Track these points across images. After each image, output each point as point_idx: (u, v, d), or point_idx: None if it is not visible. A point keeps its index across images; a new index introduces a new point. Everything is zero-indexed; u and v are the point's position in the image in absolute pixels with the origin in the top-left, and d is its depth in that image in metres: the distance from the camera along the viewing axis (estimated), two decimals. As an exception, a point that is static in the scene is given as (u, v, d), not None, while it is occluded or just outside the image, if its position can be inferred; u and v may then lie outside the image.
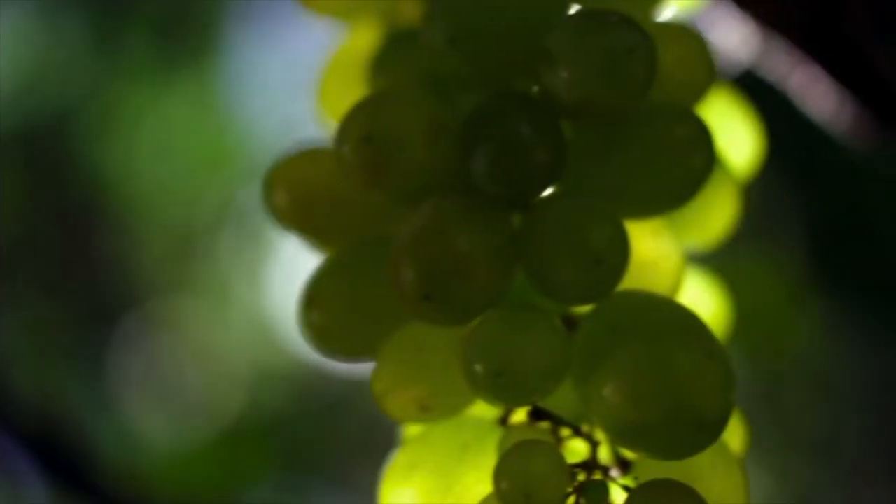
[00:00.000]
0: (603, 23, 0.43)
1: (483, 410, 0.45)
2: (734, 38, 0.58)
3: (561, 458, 0.42)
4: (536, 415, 0.45)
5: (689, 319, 0.43)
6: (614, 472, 0.45)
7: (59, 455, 1.01)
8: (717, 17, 0.58)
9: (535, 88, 0.44)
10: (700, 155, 0.44)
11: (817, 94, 0.58)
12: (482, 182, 0.43)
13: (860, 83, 0.58)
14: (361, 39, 0.50)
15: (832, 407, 1.38)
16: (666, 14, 0.49)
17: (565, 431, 0.45)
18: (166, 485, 1.40)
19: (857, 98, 0.58)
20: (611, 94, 0.43)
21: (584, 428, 0.45)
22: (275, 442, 1.41)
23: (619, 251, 0.43)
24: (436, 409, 0.44)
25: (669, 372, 0.42)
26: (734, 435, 0.46)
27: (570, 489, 0.43)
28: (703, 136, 0.44)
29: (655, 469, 0.44)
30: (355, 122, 0.43)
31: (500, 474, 0.42)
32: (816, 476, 1.42)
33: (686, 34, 0.46)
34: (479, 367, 0.42)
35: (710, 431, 0.42)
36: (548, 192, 0.44)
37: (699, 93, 0.46)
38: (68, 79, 1.27)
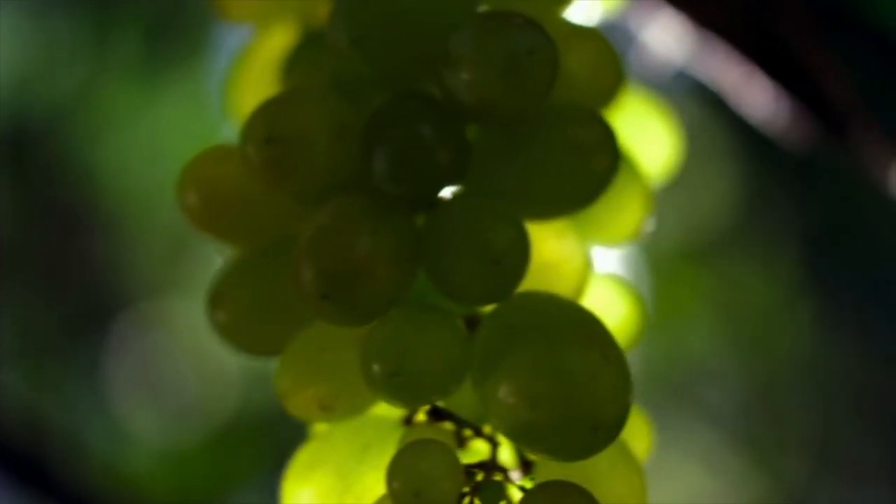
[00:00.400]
0: (503, 24, 0.43)
1: (388, 411, 0.46)
2: (668, 39, 0.58)
3: (454, 458, 0.42)
4: (437, 415, 0.45)
5: (587, 322, 0.43)
6: (516, 474, 0.45)
7: (47, 457, 1.01)
8: (650, 18, 0.58)
9: (439, 90, 0.44)
10: (603, 157, 0.44)
11: (752, 94, 0.58)
12: (384, 182, 0.44)
13: (794, 83, 0.58)
14: (274, 40, 0.50)
15: (826, 407, 1.38)
16: (581, 16, 0.49)
17: (467, 432, 0.45)
18: (159, 485, 1.40)
19: (792, 98, 0.58)
20: (511, 96, 0.43)
21: (486, 429, 0.45)
22: (267, 442, 1.41)
23: (519, 252, 0.43)
24: (337, 408, 0.45)
25: (564, 373, 0.42)
26: (637, 438, 0.46)
27: (466, 489, 0.43)
28: (606, 138, 0.44)
29: (556, 471, 0.44)
30: (258, 122, 0.44)
31: (391, 473, 0.42)
32: (811, 476, 1.41)
33: (594, 37, 0.47)
34: (376, 367, 0.43)
35: (606, 434, 0.42)
36: (450, 192, 0.44)
37: (607, 95, 0.46)
38: (60, 79, 1.27)
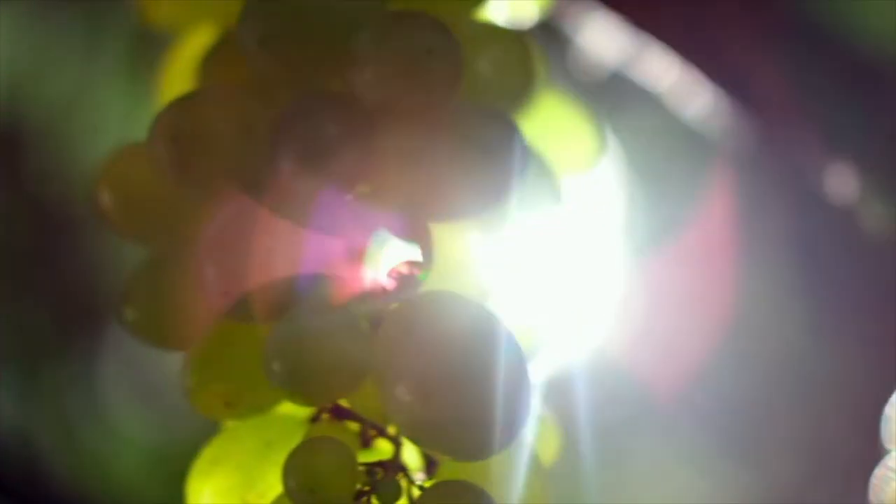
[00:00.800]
0: (404, 23, 0.43)
1: (295, 409, 0.46)
2: (606, 41, 0.58)
3: (350, 456, 0.42)
4: (339, 414, 0.45)
5: (487, 323, 0.43)
6: (421, 474, 0.45)
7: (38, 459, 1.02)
8: (588, 19, 0.58)
9: (345, 89, 0.44)
10: (508, 158, 0.45)
11: (692, 97, 0.58)
12: (287, 182, 0.44)
13: (732, 85, 0.57)
14: (197, 40, 0.50)
15: (820, 409, 1.37)
16: (501, 17, 0.49)
17: (372, 432, 0.45)
18: (151, 487, 1.41)
19: (730, 100, 0.58)
20: (412, 95, 0.43)
21: (391, 429, 0.45)
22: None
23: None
24: (241, 405, 0.45)
25: (460, 373, 0.42)
26: (543, 442, 0.46)
27: (366, 487, 0.43)
28: (512, 140, 0.45)
29: (460, 471, 0.44)
30: (164, 121, 0.44)
31: (287, 471, 0.42)
32: (805, 477, 1.40)
33: (507, 38, 0.47)
34: (276, 366, 0.43)
35: (502, 433, 0.42)
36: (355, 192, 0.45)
37: (518, 97, 0.46)
38: (52, 81, 1.28)
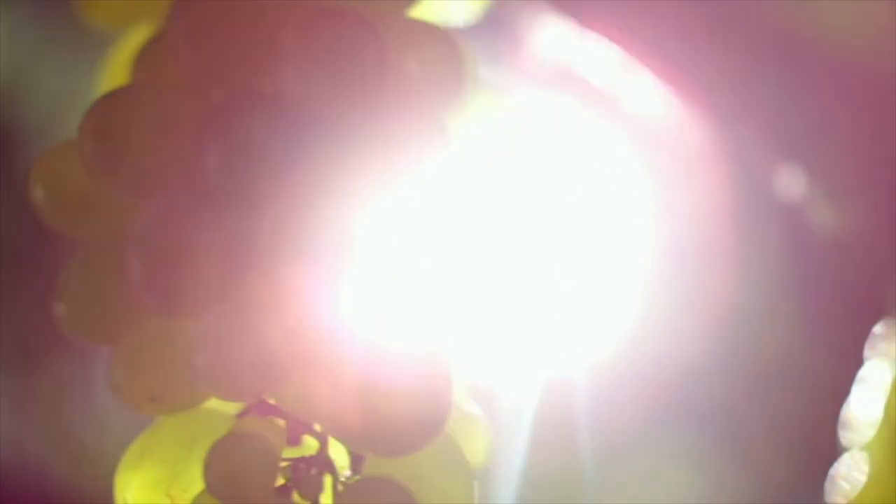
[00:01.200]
0: (326, 20, 0.43)
1: (222, 404, 0.46)
2: (553, 39, 0.58)
3: (270, 451, 0.43)
4: (264, 410, 0.45)
5: (412, 315, 0.44)
6: (348, 471, 0.45)
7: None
8: (535, 17, 0.58)
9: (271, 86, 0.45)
10: (437, 153, 0.45)
11: (642, 97, 0.58)
12: (213, 178, 0.44)
13: (680, 84, 0.58)
14: (137, 39, 0.51)
15: (813, 408, 1.36)
16: (437, 15, 0.49)
17: (298, 428, 0.45)
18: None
19: (680, 98, 0.58)
20: (334, 93, 0.43)
21: (318, 426, 0.45)
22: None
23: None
24: (167, 400, 0.45)
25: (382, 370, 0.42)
26: (471, 440, 0.46)
27: (289, 483, 0.44)
28: (440, 137, 0.45)
29: (386, 467, 0.44)
30: (91, 117, 0.44)
31: (207, 465, 0.43)
32: (800, 476, 1.40)
33: (439, 36, 0.47)
34: (199, 360, 0.43)
35: (424, 431, 0.43)
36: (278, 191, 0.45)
37: (449, 95, 0.47)
38: (47, 79, 1.29)
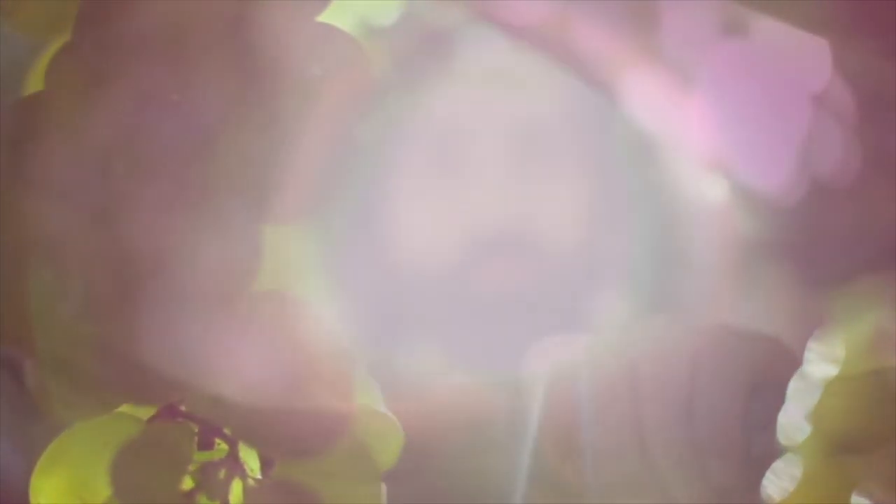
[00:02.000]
0: (239, 29, 0.44)
1: (135, 409, 0.46)
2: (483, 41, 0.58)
3: (177, 455, 0.43)
4: (173, 414, 0.46)
5: (319, 323, 0.44)
6: (261, 473, 0.46)
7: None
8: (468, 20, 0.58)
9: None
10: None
11: (569, 94, 0.58)
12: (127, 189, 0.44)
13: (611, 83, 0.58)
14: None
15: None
16: (355, 19, 0.50)
17: (209, 432, 0.46)
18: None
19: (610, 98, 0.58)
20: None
21: (228, 430, 0.46)
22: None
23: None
24: (83, 406, 0.45)
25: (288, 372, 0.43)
26: (382, 442, 0.47)
27: (192, 485, 0.44)
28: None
29: (296, 470, 0.45)
30: (4, 122, 0.45)
31: (113, 470, 0.43)
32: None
33: (346, 41, 0.47)
34: (104, 366, 0.44)
35: (326, 435, 0.43)
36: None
37: (352, 99, 0.47)
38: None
